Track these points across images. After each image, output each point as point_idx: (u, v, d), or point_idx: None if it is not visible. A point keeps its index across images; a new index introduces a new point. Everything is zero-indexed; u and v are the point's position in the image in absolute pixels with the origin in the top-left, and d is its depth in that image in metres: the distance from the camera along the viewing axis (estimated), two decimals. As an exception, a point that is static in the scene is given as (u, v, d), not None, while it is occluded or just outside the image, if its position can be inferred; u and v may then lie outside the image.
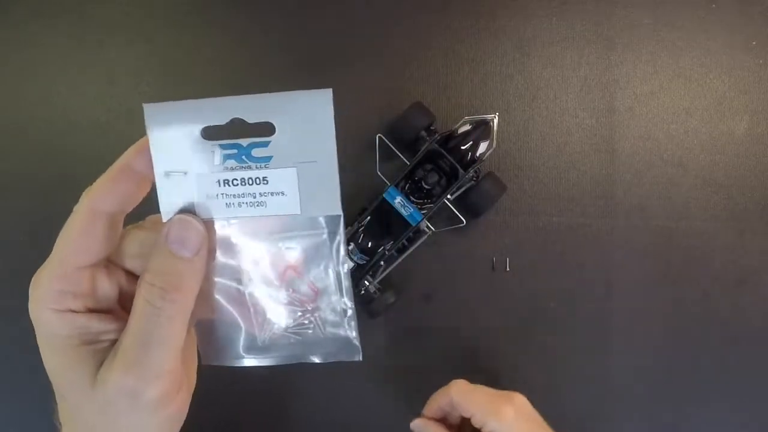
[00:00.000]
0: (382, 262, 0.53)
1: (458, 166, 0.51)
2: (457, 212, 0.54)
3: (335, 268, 0.27)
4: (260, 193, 0.25)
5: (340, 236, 0.26)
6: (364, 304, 0.54)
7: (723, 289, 0.56)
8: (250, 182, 0.25)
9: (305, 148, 0.25)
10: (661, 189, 0.56)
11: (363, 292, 0.53)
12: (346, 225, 0.53)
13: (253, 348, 0.29)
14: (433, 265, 0.56)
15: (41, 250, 0.62)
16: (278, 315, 0.28)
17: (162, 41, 0.58)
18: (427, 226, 0.53)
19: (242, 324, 0.29)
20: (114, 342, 0.26)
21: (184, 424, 0.30)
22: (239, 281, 0.28)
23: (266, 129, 0.25)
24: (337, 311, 0.28)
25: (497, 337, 0.56)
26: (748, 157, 0.57)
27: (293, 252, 0.27)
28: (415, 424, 0.49)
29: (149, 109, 0.24)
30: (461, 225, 0.54)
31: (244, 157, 0.25)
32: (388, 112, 0.57)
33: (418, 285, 0.56)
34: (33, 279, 0.26)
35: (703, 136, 0.57)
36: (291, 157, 0.25)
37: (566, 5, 0.57)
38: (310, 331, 0.29)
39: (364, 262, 0.52)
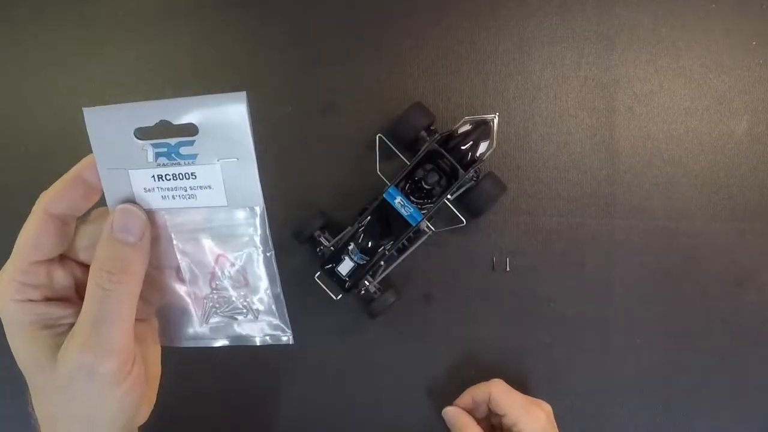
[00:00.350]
0: (382, 262, 0.53)
1: (458, 166, 0.51)
2: (457, 212, 0.54)
3: (262, 256, 0.30)
4: (190, 187, 0.28)
5: (265, 227, 0.29)
6: (364, 304, 0.54)
7: (723, 289, 0.56)
8: (181, 177, 0.28)
9: (226, 147, 0.27)
10: (661, 189, 0.56)
11: (363, 292, 0.53)
12: (346, 225, 0.53)
13: (198, 330, 0.32)
14: (433, 265, 0.56)
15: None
16: (214, 300, 0.31)
17: (162, 41, 0.58)
18: (427, 226, 0.53)
19: (185, 308, 0.31)
20: (72, 325, 0.29)
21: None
22: (179, 269, 0.30)
23: (193, 129, 0.27)
24: (267, 296, 0.31)
25: (497, 337, 0.56)
26: (748, 157, 0.57)
27: (223, 241, 0.29)
28: (447, 411, 0.52)
29: (88, 113, 0.27)
30: (461, 225, 0.54)
31: (173, 154, 0.27)
32: (388, 112, 0.57)
33: (418, 285, 0.56)
34: None
35: (703, 136, 0.57)
36: (214, 154, 0.27)
37: (566, 5, 0.57)
38: (242, 316, 0.31)
39: (364, 262, 0.52)
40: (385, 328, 0.56)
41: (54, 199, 0.29)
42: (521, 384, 0.54)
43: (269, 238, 0.29)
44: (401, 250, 0.54)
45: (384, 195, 0.51)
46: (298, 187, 0.57)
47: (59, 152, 0.58)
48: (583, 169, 0.57)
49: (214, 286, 0.30)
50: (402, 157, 0.54)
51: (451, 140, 0.52)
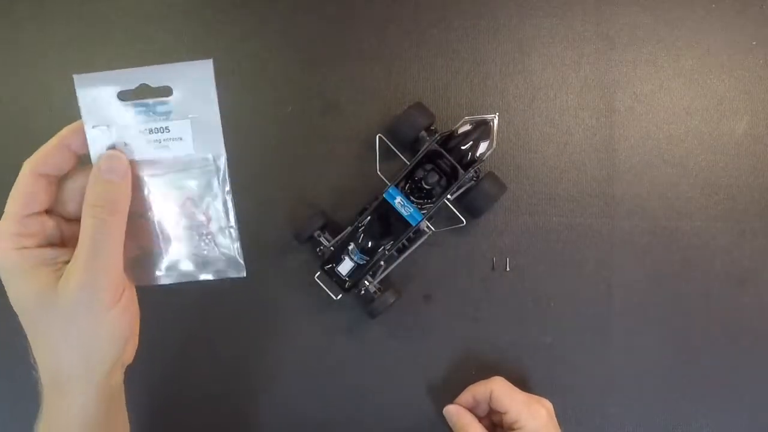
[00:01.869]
0: (382, 262, 0.53)
1: (458, 166, 0.51)
2: (457, 212, 0.54)
3: (222, 198, 0.35)
4: (164, 139, 0.34)
5: (224, 171, 0.35)
6: (364, 304, 0.54)
7: (723, 289, 0.56)
8: (156, 131, 0.34)
9: (195, 105, 0.34)
10: (661, 189, 0.56)
11: (363, 292, 0.53)
12: (346, 225, 0.53)
13: (163, 269, 0.37)
14: (433, 265, 0.56)
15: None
16: (181, 240, 0.36)
17: (162, 41, 0.58)
18: (427, 226, 0.53)
19: (153, 249, 0.36)
20: (67, 263, 0.33)
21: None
22: (149, 213, 0.35)
23: (168, 90, 0.34)
24: (225, 234, 0.36)
25: (497, 337, 0.56)
26: (748, 157, 0.57)
27: (190, 185, 0.35)
28: (449, 410, 0.52)
29: (78, 79, 0.33)
30: (461, 225, 0.54)
31: (150, 112, 0.34)
32: (388, 112, 0.57)
33: (418, 285, 0.56)
34: None
35: (703, 136, 0.57)
36: (185, 112, 0.34)
37: (566, 5, 0.57)
38: (205, 252, 0.36)
39: (364, 262, 0.52)
40: (385, 328, 0.56)
41: (40, 162, 0.33)
42: (521, 384, 0.54)
43: (228, 181, 0.35)
44: (401, 250, 0.54)
45: (384, 195, 0.51)
46: (298, 187, 0.57)
47: (59, 152, 0.58)
48: (583, 169, 0.57)
49: (180, 227, 0.36)
50: (402, 157, 0.54)
51: (451, 140, 0.52)
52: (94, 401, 0.35)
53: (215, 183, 0.35)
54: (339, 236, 0.53)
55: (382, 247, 0.52)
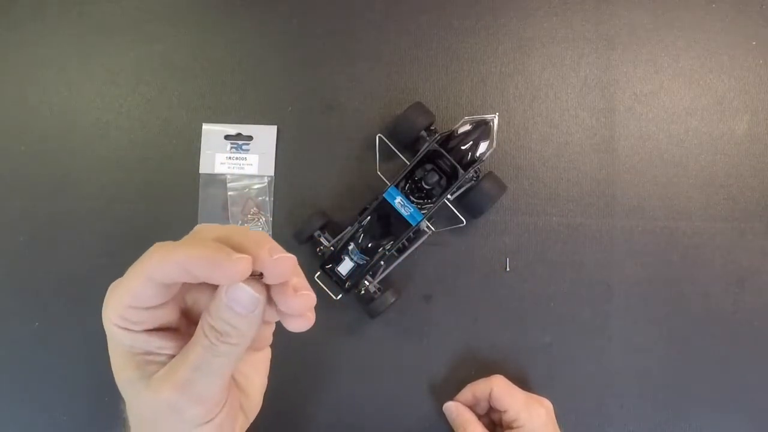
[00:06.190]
0: (382, 262, 0.53)
1: (458, 166, 0.51)
2: (457, 212, 0.54)
3: (269, 200, 0.56)
4: (243, 164, 0.57)
5: (272, 186, 0.57)
6: (364, 304, 0.54)
7: (723, 289, 0.56)
8: (240, 159, 0.57)
9: (263, 148, 0.57)
10: (661, 189, 0.56)
11: (363, 292, 0.53)
12: (346, 225, 0.53)
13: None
14: (433, 265, 0.56)
15: (41, 251, 0.63)
16: (246, 219, 0.57)
17: (162, 41, 0.58)
18: (427, 226, 0.53)
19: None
20: (171, 357, 0.29)
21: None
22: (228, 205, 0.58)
23: (251, 138, 0.56)
24: (267, 220, 0.57)
25: (497, 337, 0.56)
26: (748, 157, 0.57)
27: (252, 189, 0.57)
28: (449, 407, 0.53)
29: (205, 126, 0.57)
30: (461, 225, 0.54)
31: (239, 148, 0.57)
32: (388, 112, 0.57)
33: (418, 285, 0.56)
34: (108, 290, 0.29)
35: (703, 136, 0.57)
36: (258, 149, 0.57)
37: (566, 5, 0.57)
38: (258, 227, 0.56)
39: (364, 262, 0.52)
40: (385, 328, 0.56)
41: (158, 273, 0.27)
42: (521, 384, 0.54)
43: (273, 190, 0.57)
44: (401, 250, 0.54)
45: (384, 195, 0.51)
46: (298, 187, 0.57)
47: (59, 152, 0.58)
48: (583, 169, 0.57)
49: (246, 212, 0.57)
50: (402, 157, 0.54)
51: (451, 140, 0.52)
52: None
53: (266, 191, 0.57)
54: (339, 236, 0.53)
55: (382, 247, 0.52)
